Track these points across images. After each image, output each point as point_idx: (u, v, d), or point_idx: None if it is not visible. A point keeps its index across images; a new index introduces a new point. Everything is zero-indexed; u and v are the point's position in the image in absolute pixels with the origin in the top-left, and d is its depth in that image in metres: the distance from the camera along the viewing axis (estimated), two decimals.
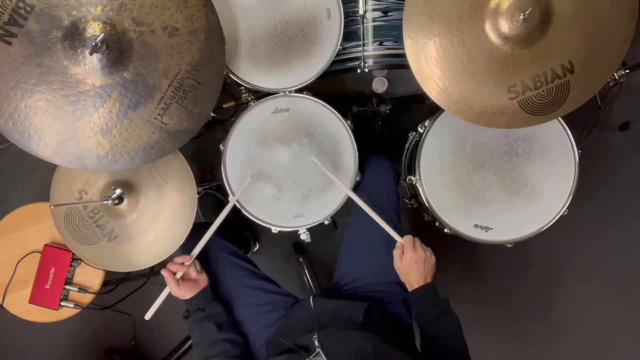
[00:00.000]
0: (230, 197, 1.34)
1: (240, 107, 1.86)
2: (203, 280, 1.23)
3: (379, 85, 1.46)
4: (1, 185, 2.08)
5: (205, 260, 1.32)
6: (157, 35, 1.06)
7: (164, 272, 1.18)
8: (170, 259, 1.33)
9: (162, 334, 2.06)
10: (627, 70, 1.48)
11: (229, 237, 1.39)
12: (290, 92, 1.34)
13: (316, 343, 1.04)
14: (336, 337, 1.07)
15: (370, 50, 1.37)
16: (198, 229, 1.33)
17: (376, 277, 1.31)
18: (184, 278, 1.20)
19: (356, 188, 1.38)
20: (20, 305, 1.52)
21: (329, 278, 1.98)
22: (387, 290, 1.30)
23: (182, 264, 1.20)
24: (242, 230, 1.98)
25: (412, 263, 1.15)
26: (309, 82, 1.32)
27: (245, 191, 1.33)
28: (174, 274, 1.19)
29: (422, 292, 1.14)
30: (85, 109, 1.04)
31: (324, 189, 1.35)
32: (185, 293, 1.19)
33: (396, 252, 1.19)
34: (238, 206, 1.34)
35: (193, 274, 1.20)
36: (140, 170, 1.30)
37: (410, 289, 1.17)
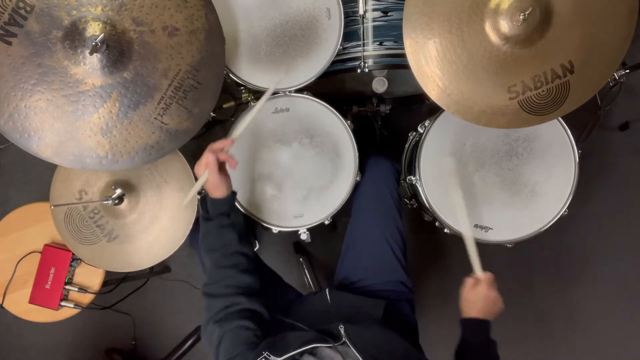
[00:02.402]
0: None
1: (240, 107, 1.86)
2: (230, 183, 1.13)
3: (379, 85, 1.47)
4: (1, 185, 2.08)
5: None
6: (157, 35, 1.06)
7: (208, 155, 1.06)
8: (170, 259, 1.33)
9: (162, 334, 2.06)
10: (627, 70, 1.48)
11: None
12: (290, 92, 1.34)
13: (342, 332, 1.00)
14: (362, 331, 1.03)
15: (370, 50, 1.37)
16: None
17: (381, 277, 1.31)
18: (221, 170, 1.09)
19: (356, 188, 1.38)
20: (20, 305, 1.52)
21: (329, 278, 1.98)
22: (393, 290, 1.29)
23: (223, 149, 1.09)
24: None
25: (481, 297, 1.12)
26: (309, 82, 1.32)
27: (249, 193, 1.32)
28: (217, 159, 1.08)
29: (480, 324, 1.11)
30: (85, 109, 1.04)
31: (324, 189, 1.35)
32: (221, 187, 1.09)
33: (470, 281, 1.16)
34: (236, 204, 1.34)
35: (233, 162, 1.10)
36: (140, 170, 1.30)
37: (466, 316, 1.13)
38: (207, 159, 1.06)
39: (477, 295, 1.13)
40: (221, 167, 1.09)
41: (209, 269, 1.10)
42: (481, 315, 1.11)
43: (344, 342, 0.97)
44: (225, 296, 1.04)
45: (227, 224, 1.10)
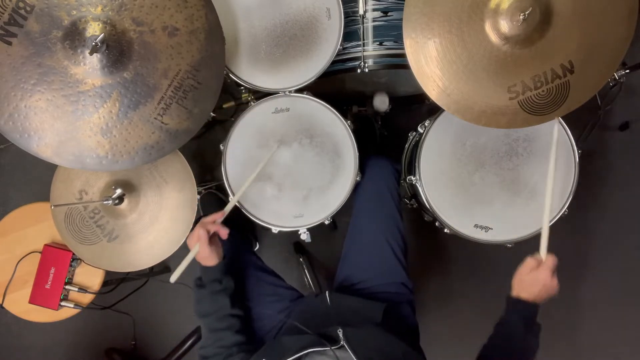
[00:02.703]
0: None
1: (240, 107, 1.86)
2: (221, 252, 1.18)
3: (380, 104, 1.46)
4: (1, 185, 2.08)
5: None
6: (157, 35, 1.06)
7: (199, 228, 1.11)
8: (169, 259, 1.33)
9: (162, 334, 2.06)
10: (627, 70, 1.48)
11: (236, 231, 1.39)
12: (290, 92, 1.34)
13: (341, 336, 1.01)
14: (361, 334, 1.04)
15: (370, 50, 1.37)
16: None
17: (383, 278, 1.30)
18: (211, 242, 1.14)
19: (356, 188, 1.38)
20: (20, 305, 1.52)
21: (329, 278, 1.98)
22: (394, 291, 1.29)
23: (214, 222, 1.14)
24: (245, 230, 1.98)
25: (540, 283, 1.09)
26: (309, 82, 1.32)
27: (249, 193, 1.33)
28: (208, 233, 1.13)
29: (524, 306, 1.08)
30: (85, 109, 1.04)
31: (324, 189, 1.35)
32: (211, 258, 1.14)
33: (531, 261, 1.12)
34: (237, 204, 1.34)
35: (224, 232, 1.14)
36: (140, 170, 1.30)
37: (515, 295, 1.11)
38: (199, 233, 1.11)
39: (537, 280, 1.09)
40: (212, 238, 1.14)
41: (204, 333, 1.16)
42: (531, 299, 1.08)
43: (342, 346, 0.98)
44: (220, 354, 1.11)
45: (219, 289, 1.15)
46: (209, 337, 1.14)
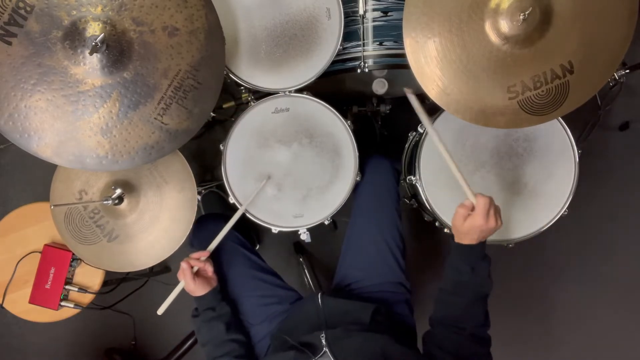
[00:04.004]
0: (240, 204, 1.34)
1: (240, 107, 1.86)
2: (214, 280, 1.24)
3: (379, 86, 1.47)
4: (1, 185, 2.08)
5: (215, 248, 1.32)
6: (157, 35, 1.06)
7: (183, 264, 1.19)
8: (169, 259, 1.33)
9: (162, 334, 2.06)
10: (627, 70, 1.48)
11: (238, 231, 1.39)
12: (290, 92, 1.34)
13: (323, 342, 1.03)
14: (344, 338, 1.06)
15: (370, 50, 1.37)
16: (205, 220, 1.34)
17: (380, 277, 1.31)
18: (198, 274, 1.21)
19: (356, 188, 1.38)
20: (20, 305, 1.52)
21: (329, 278, 1.98)
22: (391, 291, 1.30)
23: (199, 259, 1.21)
24: (247, 228, 1.98)
25: (477, 228, 1.03)
26: (309, 82, 1.32)
27: (249, 192, 1.33)
28: (192, 267, 1.20)
29: (468, 249, 1.06)
30: (85, 109, 1.04)
31: (324, 189, 1.35)
32: (198, 289, 1.20)
33: (461, 210, 1.05)
34: (237, 204, 1.34)
35: (209, 269, 1.22)
36: (140, 170, 1.30)
37: (457, 242, 1.08)
38: (182, 268, 1.20)
39: (473, 227, 1.04)
40: (198, 273, 1.21)
41: None
42: (473, 242, 1.06)
43: (325, 353, 1.01)
44: None
45: (213, 317, 1.21)
46: None
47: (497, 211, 1.06)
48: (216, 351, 1.19)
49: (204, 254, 1.22)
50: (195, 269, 1.21)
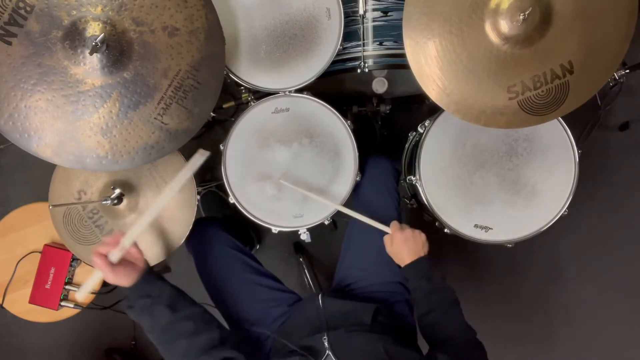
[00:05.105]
0: (241, 205, 1.34)
1: (240, 107, 1.86)
2: (141, 260, 1.06)
3: (379, 85, 1.47)
4: (1, 185, 2.08)
5: (211, 254, 1.31)
6: (157, 35, 1.06)
7: (94, 257, 1.00)
8: (170, 258, 1.33)
9: None
10: (627, 70, 1.48)
11: (234, 234, 1.39)
12: (290, 92, 1.34)
13: (326, 345, 1.03)
14: (346, 340, 1.05)
15: (370, 50, 1.37)
16: (200, 224, 1.33)
17: (380, 277, 1.31)
18: (121, 262, 1.02)
19: (356, 188, 1.38)
20: (20, 305, 1.52)
21: (329, 278, 1.98)
22: (391, 291, 1.30)
23: (118, 244, 1.02)
24: (246, 229, 1.98)
25: (401, 243, 1.17)
26: (309, 82, 1.32)
27: (249, 193, 1.33)
28: (105, 257, 1.01)
29: (414, 266, 1.17)
30: (85, 109, 1.04)
31: (324, 189, 1.35)
32: (122, 279, 1.01)
33: (386, 239, 1.22)
34: (236, 204, 1.34)
35: (133, 251, 1.03)
36: (139, 170, 1.30)
37: (403, 265, 1.19)
38: (94, 260, 1.01)
39: (398, 244, 1.18)
40: (122, 260, 1.02)
41: (161, 353, 1.02)
42: (414, 257, 1.16)
43: (328, 356, 1.00)
44: None
45: (150, 304, 1.03)
46: (167, 353, 1.02)
47: (408, 227, 1.20)
48: (166, 336, 1.01)
49: (117, 237, 1.02)
50: (115, 257, 1.01)
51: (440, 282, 1.15)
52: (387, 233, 1.23)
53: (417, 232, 1.19)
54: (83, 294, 1.10)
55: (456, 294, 1.15)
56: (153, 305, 1.03)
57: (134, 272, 1.04)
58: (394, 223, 1.21)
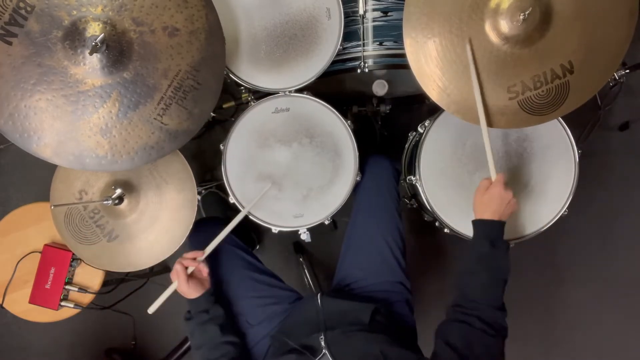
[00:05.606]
0: (242, 206, 1.34)
1: (240, 107, 1.86)
2: (207, 281, 1.21)
3: (379, 88, 1.46)
4: (1, 185, 2.08)
5: (212, 251, 1.32)
6: (157, 35, 1.06)
7: (177, 265, 1.16)
8: (169, 259, 1.33)
9: (162, 334, 2.06)
10: (627, 70, 1.48)
11: (235, 233, 1.39)
12: (290, 92, 1.34)
13: (322, 344, 1.03)
14: (344, 340, 1.05)
15: (370, 50, 1.37)
16: (203, 224, 1.33)
17: (380, 277, 1.31)
18: (192, 276, 1.17)
19: (356, 188, 1.38)
20: (20, 305, 1.52)
21: (329, 278, 1.98)
22: (390, 290, 1.30)
23: (195, 259, 1.18)
24: (247, 228, 1.98)
25: (496, 197, 1.10)
26: (309, 82, 1.32)
27: (249, 192, 1.33)
28: (186, 268, 1.17)
29: (490, 224, 1.11)
30: (85, 109, 1.04)
31: (324, 189, 1.35)
32: (192, 291, 1.17)
33: (484, 182, 1.14)
34: (237, 204, 1.34)
35: (204, 271, 1.18)
36: (140, 170, 1.30)
37: (479, 217, 1.13)
38: (176, 269, 1.16)
39: (491, 196, 1.11)
40: (192, 274, 1.17)
41: None
42: (496, 217, 1.10)
43: (324, 354, 1.00)
44: None
45: (207, 319, 1.18)
46: None
47: (511, 191, 1.12)
48: (211, 354, 1.16)
49: (199, 254, 1.18)
50: (190, 270, 1.17)
51: (502, 255, 1.09)
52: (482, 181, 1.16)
53: (514, 200, 1.12)
54: (157, 306, 1.17)
55: (509, 277, 1.08)
56: (208, 321, 1.18)
57: (201, 288, 1.18)
58: (502, 176, 1.13)
